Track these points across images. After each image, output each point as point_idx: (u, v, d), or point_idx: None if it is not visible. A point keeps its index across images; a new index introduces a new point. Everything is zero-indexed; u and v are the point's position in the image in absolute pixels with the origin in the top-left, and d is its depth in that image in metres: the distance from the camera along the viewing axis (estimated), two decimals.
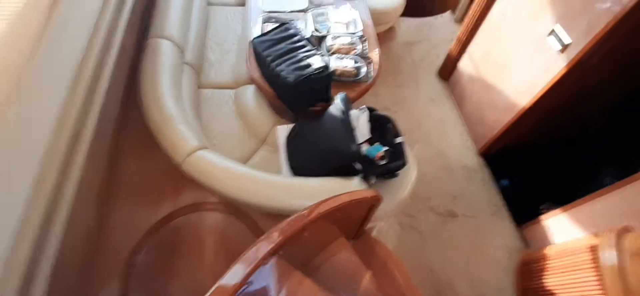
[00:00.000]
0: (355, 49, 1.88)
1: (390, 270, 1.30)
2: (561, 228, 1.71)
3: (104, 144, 1.34)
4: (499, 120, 2.03)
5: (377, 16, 2.26)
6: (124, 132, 1.61)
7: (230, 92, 1.89)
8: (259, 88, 1.80)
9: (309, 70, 1.62)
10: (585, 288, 1.40)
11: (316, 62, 1.65)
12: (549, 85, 1.68)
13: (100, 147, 1.26)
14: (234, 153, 1.67)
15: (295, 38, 1.77)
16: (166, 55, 1.57)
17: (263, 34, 1.83)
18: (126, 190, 1.67)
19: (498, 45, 2.05)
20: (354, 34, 1.94)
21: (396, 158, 1.52)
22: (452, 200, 2.09)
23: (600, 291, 1.33)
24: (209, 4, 2.34)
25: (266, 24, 1.94)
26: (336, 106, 1.53)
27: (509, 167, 2.21)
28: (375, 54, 1.92)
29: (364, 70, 1.81)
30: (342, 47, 1.87)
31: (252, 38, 1.83)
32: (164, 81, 1.47)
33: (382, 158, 1.49)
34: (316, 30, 1.93)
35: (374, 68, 1.85)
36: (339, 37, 1.91)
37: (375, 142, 1.55)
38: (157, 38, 1.61)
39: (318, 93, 1.70)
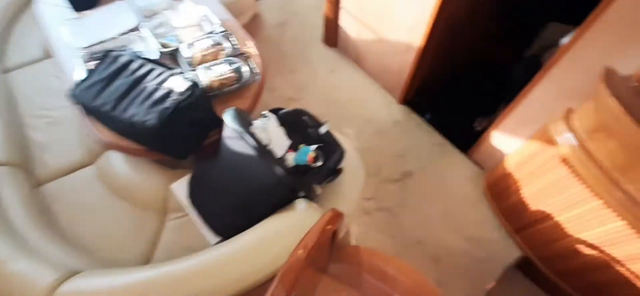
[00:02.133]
0: (223, 49, 1.41)
1: (387, 274, 0.96)
2: (505, 138, 1.62)
3: None
4: (403, 64, 1.86)
5: (230, 6, 1.83)
6: None
7: (88, 170, 1.43)
8: (120, 149, 1.21)
9: (173, 98, 1.11)
10: (560, 183, 1.29)
11: (178, 84, 1.14)
12: (435, 11, 1.53)
13: None
14: (129, 249, 1.18)
15: (134, 66, 1.22)
16: None
17: (84, 80, 1.21)
18: None
19: None
20: (212, 32, 1.46)
21: (331, 151, 1.15)
22: (400, 160, 1.87)
23: (576, 179, 1.22)
24: (5, 71, 1.65)
25: (91, 63, 1.31)
26: (229, 129, 1.06)
27: (433, 102, 2.09)
28: (250, 47, 1.49)
29: (245, 69, 1.37)
30: (206, 53, 1.38)
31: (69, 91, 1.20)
32: None
33: (315, 159, 1.10)
34: (163, 45, 1.39)
35: (256, 63, 1.43)
36: (196, 42, 1.41)
37: (299, 145, 1.14)
38: None
39: (200, 121, 1.20)
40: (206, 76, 1.30)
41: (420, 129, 1.99)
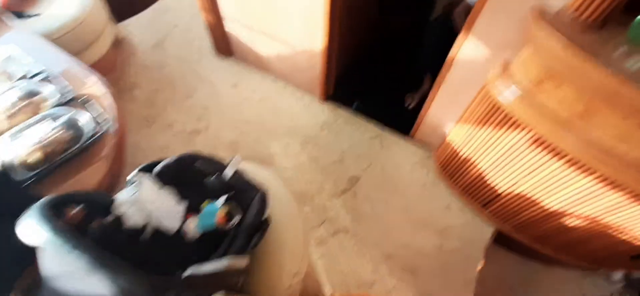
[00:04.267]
0: (44, 100, 0.93)
1: None
2: (443, 112, 1.42)
3: None
4: (312, 57, 1.55)
5: (66, 39, 1.31)
6: None
7: None
8: None
9: None
10: (515, 148, 1.11)
11: None
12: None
13: None
14: None
15: None
16: None
17: None
18: None
19: None
20: (25, 77, 0.95)
21: (246, 199, 0.78)
22: (340, 168, 1.57)
23: (531, 140, 1.05)
24: None
25: None
26: (43, 245, 0.60)
27: (357, 90, 1.84)
28: (91, 85, 1.02)
29: (84, 120, 0.90)
30: (14, 112, 0.88)
31: None
32: None
33: (228, 217, 0.73)
34: None
35: (102, 106, 0.97)
36: None
37: (200, 205, 0.75)
38: None
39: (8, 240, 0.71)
40: (14, 150, 0.81)
41: (352, 125, 1.71)
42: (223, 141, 1.61)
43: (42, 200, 0.58)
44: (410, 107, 1.75)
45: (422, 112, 1.49)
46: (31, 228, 0.54)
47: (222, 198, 0.76)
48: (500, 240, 1.44)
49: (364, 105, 1.76)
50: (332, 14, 1.32)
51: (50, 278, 0.63)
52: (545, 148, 1.02)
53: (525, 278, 1.47)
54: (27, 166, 0.80)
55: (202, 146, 1.57)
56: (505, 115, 1.06)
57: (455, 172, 1.42)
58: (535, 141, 1.04)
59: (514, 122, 1.06)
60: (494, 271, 1.44)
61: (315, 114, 1.73)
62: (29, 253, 0.69)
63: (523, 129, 1.05)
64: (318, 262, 1.34)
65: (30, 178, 0.80)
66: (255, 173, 0.87)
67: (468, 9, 1.37)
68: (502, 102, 1.06)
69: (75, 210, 0.66)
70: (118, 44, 1.82)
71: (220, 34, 1.78)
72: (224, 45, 1.84)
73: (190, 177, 0.81)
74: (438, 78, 1.32)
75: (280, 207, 0.90)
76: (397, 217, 1.46)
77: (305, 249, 1.01)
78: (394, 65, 1.96)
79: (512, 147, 1.12)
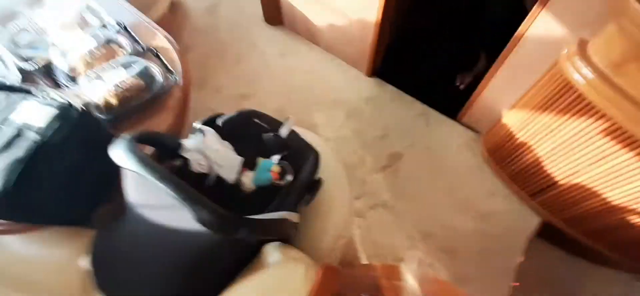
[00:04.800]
0: (120, 47, 0.99)
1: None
2: (499, 94, 1.35)
3: None
4: (363, 29, 1.52)
5: None
6: None
7: None
8: None
9: (26, 142, 0.69)
10: (583, 134, 1.04)
11: (35, 114, 0.72)
12: None
13: None
14: None
15: None
16: None
17: None
18: None
19: None
20: (101, 31, 1.02)
21: (299, 159, 0.80)
22: (383, 143, 1.56)
23: (605, 126, 0.97)
24: None
25: None
26: (128, 170, 0.66)
27: (405, 67, 1.79)
28: (161, 40, 1.08)
29: (156, 71, 0.96)
30: (92, 58, 0.96)
31: None
32: None
33: (282, 174, 0.75)
34: (25, 59, 0.94)
35: (173, 60, 1.02)
36: (75, 45, 0.97)
37: (255, 159, 0.79)
38: None
39: (90, 165, 0.79)
40: (94, 90, 0.88)
41: (398, 101, 1.68)
42: (269, 107, 1.64)
43: (126, 134, 0.63)
44: (462, 87, 1.68)
45: (475, 93, 1.43)
46: (121, 156, 0.59)
47: (277, 156, 0.79)
48: (545, 233, 1.38)
49: (412, 81, 1.72)
50: None
51: (135, 205, 0.69)
52: (618, 136, 0.95)
53: (568, 275, 1.40)
54: (102, 109, 0.87)
55: None
56: (577, 97, 0.99)
57: (506, 158, 1.36)
58: (608, 127, 0.96)
59: (585, 105, 0.99)
60: (535, 265, 1.39)
61: (361, 88, 1.72)
62: (110, 181, 0.77)
63: (595, 113, 0.97)
64: (356, 232, 1.36)
65: (111, 119, 0.87)
66: (306, 136, 0.89)
67: None
68: (575, 82, 0.98)
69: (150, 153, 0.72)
70: (173, 6, 1.89)
71: (272, 1, 1.79)
72: (275, 13, 1.86)
73: (247, 132, 0.85)
74: (500, 58, 1.25)
75: (329, 172, 0.91)
76: (439, 197, 1.43)
77: (350, 215, 1.02)
78: (448, 42, 1.87)
79: (579, 132, 1.05)
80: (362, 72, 1.75)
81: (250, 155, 0.79)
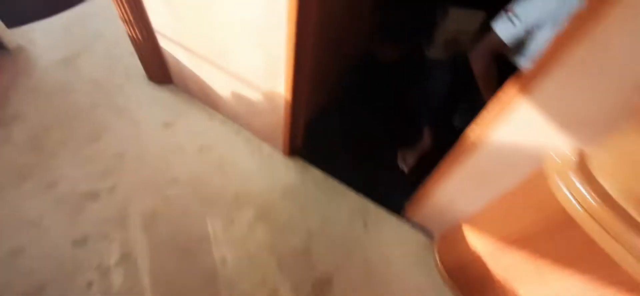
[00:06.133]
0: None
1: None
2: (456, 192, 0.98)
3: None
4: (275, 101, 1.09)
5: None
6: None
7: None
8: None
9: None
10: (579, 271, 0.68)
11: None
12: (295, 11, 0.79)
13: None
14: None
15: None
16: None
17: None
18: None
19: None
20: None
21: None
22: (305, 259, 1.08)
23: (606, 268, 0.62)
24: None
25: None
26: None
27: (331, 145, 1.38)
28: None
29: None
30: None
31: None
32: None
33: None
34: None
35: None
36: None
37: None
38: None
39: None
40: None
41: (325, 192, 1.24)
42: (133, 210, 1.09)
43: None
44: (407, 170, 1.31)
45: (423, 188, 1.05)
46: None
47: None
48: None
49: (343, 163, 1.31)
50: (299, 38, 0.86)
51: None
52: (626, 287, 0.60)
53: None
54: None
55: (95, 219, 1.05)
56: (570, 224, 0.64)
57: (470, 282, 0.98)
58: (613, 276, 0.61)
59: (585, 241, 0.63)
60: None
61: (276, 174, 1.25)
62: None
63: (602, 260, 0.62)
64: None
65: None
66: None
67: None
68: (575, 217, 0.63)
69: None
70: (8, 53, 1.29)
71: (150, 54, 1.29)
72: (157, 68, 1.35)
73: None
74: (456, 148, 0.89)
75: None
76: None
77: None
78: (383, 113, 1.52)
79: (574, 273, 0.69)
80: (278, 148, 1.31)
81: None
